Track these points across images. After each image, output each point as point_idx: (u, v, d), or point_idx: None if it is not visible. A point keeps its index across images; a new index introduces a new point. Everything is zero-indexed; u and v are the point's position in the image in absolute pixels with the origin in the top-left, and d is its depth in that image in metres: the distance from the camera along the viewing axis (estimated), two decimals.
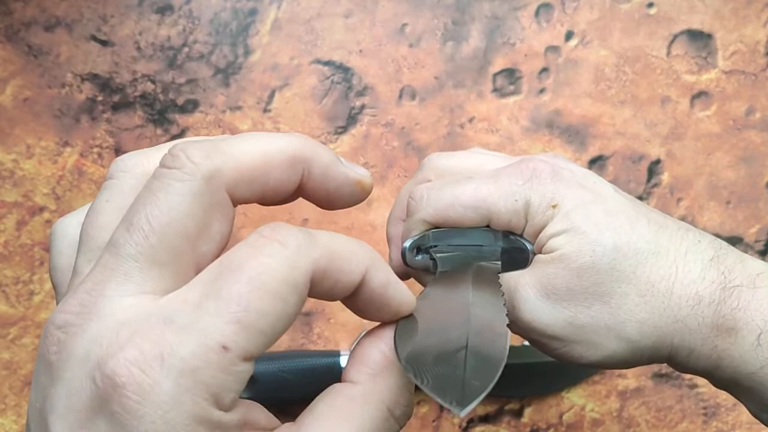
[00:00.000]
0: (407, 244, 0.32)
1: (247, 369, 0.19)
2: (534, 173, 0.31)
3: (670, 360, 0.30)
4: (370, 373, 0.23)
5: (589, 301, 0.29)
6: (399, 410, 0.23)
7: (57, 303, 0.22)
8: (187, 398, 0.17)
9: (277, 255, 0.19)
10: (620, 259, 0.29)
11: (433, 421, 0.51)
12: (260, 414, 0.22)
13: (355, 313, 0.23)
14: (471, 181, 0.32)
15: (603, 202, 0.31)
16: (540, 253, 0.31)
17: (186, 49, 0.54)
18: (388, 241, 0.37)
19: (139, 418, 0.17)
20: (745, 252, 0.53)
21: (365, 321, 0.52)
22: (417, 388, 0.22)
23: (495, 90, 0.54)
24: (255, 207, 0.52)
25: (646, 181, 0.54)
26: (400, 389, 0.23)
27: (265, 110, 0.54)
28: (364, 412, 0.22)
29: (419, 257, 0.33)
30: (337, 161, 0.24)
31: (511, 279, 0.31)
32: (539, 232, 0.31)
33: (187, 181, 0.20)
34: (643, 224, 0.30)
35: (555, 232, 0.30)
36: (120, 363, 0.17)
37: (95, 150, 0.53)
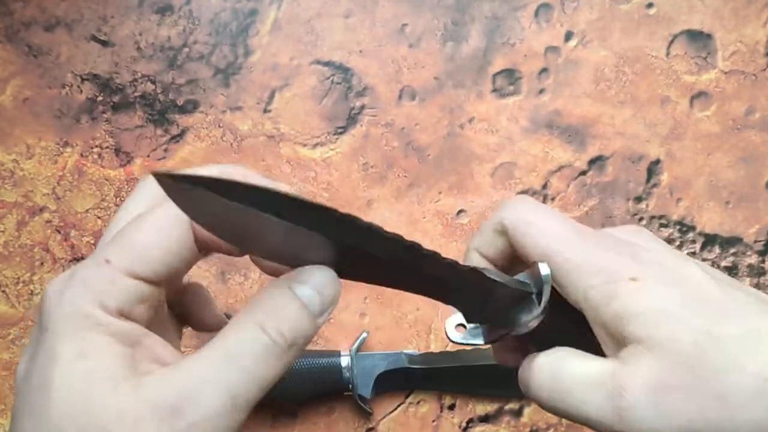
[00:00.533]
0: (450, 322, 0.31)
1: (135, 286, 0.24)
2: (616, 245, 0.29)
3: None
4: (252, 299, 0.25)
5: (703, 401, 0.25)
6: (272, 325, 0.24)
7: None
8: (78, 299, 0.23)
9: (168, 204, 0.23)
10: (724, 347, 0.25)
11: (433, 421, 0.51)
12: (160, 348, 0.25)
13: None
14: (563, 219, 0.30)
15: (690, 285, 0.27)
16: (617, 337, 0.27)
17: (186, 50, 0.54)
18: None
19: (48, 314, 0.24)
20: (745, 252, 0.53)
21: (365, 322, 0.52)
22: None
23: (495, 90, 0.54)
24: None
25: (646, 181, 0.54)
26: (276, 305, 0.25)
27: (265, 110, 0.54)
28: (231, 329, 0.24)
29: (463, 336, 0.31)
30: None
31: (609, 381, 0.26)
32: (608, 302, 0.27)
33: None
34: (736, 310, 0.27)
35: (637, 311, 0.26)
36: (51, 285, 0.24)
37: (95, 150, 0.53)
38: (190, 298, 0.31)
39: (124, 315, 0.24)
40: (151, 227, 0.24)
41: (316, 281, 0.25)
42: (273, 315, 0.24)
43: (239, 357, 0.24)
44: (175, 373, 0.23)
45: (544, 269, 0.28)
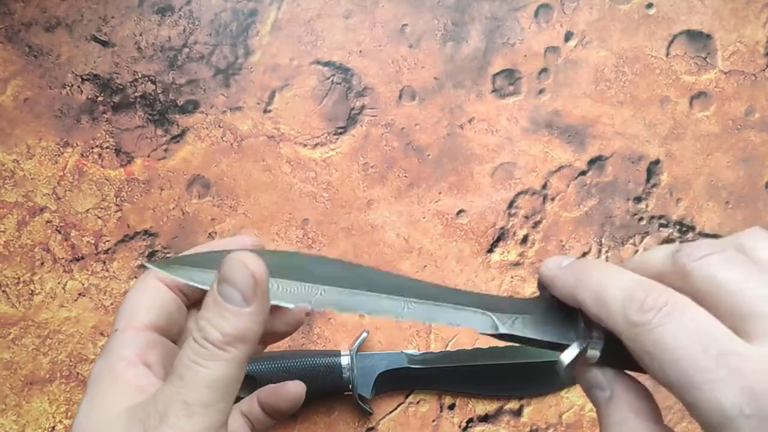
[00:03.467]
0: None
1: (143, 336, 0.30)
2: None
3: None
4: None
5: None
6: (198, 333, 0.27)
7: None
8: (100, 361, 0.30)
9: (143, 276, 0.32)
10: None
11: (433, 420, 0.51)
12: None
13: None
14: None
15: None
16: None
17: (186, 50, 0.54)
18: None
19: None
20: None
21: (365, 321, 0.52)
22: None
23: (494, 90, 0.54)
24: (255, 207, 0.52)
25: (646, 181, 0.54)
26: (204, 306, 0.28)
27: (265, 111, 0.54)
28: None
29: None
30: None
31: None
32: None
33: None
34: None
35: None
36: None
37: (96, 150, 0.53)
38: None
39: (142, 360, 0.29)
40: (134, 294, 0.31)
41: (230, 271, 0.27)
42: (200, 321, 0.27)
43: (180, 369, 0.26)
44: (148, 400, 0.27)
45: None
